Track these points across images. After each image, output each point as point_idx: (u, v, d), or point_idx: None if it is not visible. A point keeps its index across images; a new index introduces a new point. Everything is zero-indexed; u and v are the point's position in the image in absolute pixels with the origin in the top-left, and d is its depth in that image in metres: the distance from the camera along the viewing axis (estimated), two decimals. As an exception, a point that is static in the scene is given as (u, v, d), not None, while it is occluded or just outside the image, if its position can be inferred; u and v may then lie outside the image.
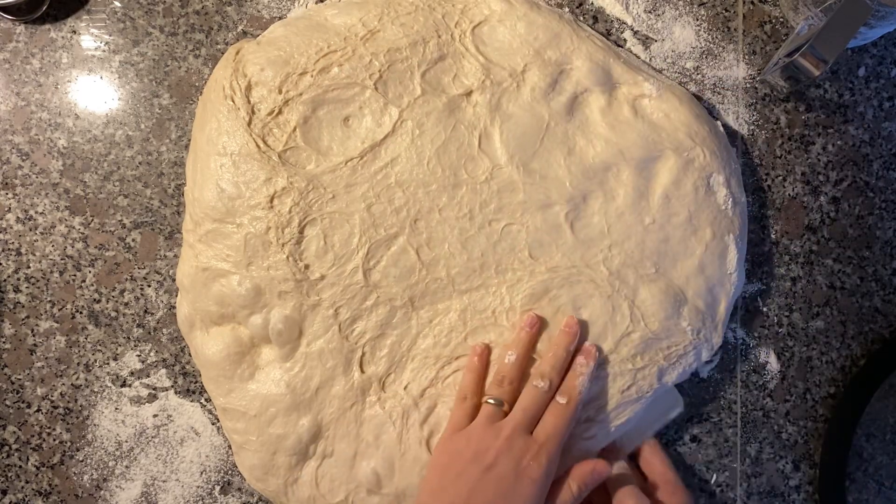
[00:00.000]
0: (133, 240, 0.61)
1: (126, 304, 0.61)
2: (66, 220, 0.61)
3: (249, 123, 0.55)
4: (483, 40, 0.57)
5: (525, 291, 0.56)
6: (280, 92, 0.55)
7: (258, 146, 0.55)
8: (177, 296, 0.61)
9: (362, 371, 0.56)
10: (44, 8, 0.60)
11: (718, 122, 0.61)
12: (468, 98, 0.57)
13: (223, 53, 0.61)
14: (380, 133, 0.56)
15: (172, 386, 0.62)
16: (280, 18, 0.62)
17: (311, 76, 0.55)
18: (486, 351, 0.56)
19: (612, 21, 0.63)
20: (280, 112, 0.55)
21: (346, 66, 0.56)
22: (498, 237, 0.56)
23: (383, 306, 0.56)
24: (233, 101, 0.55)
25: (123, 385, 0.61)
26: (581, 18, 0.63)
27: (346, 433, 0.56)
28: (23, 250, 0.61)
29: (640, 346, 0.57)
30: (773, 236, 0.64)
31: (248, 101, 0.55)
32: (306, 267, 0.55)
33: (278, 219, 0.55)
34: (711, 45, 0.63)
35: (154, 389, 0.62)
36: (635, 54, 0.63)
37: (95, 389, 0.61)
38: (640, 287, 0.57)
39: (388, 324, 0.56)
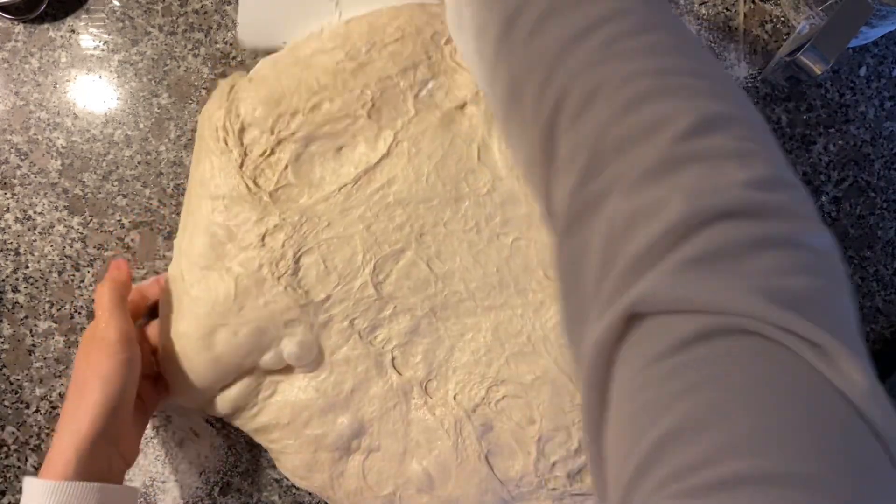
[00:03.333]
0: (132, 240, 0.61)
1: (125, 304, 0.61)
2: (64, 219, 0.61)
3: (241, 165, 0.54)
4: None
5: (553, 318, 0.56)
6: (273, 132, 0.54)
7: (248, 188, 0.54)
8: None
9: (399, 373, 0.56)
10: (42, 7, 0.60)
11: None
12: (463, 110, 0.56)
13: (222, 53, 0.61)
14: (374, 157, 0.55)
15: (171, 386, 0.61)
16: (279, 18, 0.61)
17: (303, 115, 0.54)
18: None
19: (612, 20, 0.63)
20: (272, 152, 0.55)
21: (337, 101, 0.55)
22: (509, 252, 0.56)
23: (403, 315, 0.55)
24: (226, 143, 0.54)
25: (122, 385, 0.61)
26: (581, 18, 0.63)
27: (392, 430, 0.56)
28: (21, 250, 0.61)
29: None
30: (774, 236, 0.64)
31: (241, 143, 0.54)
32: (306, 293, 0.54)
33: (271, 255, 0.54)
34: (712, 45, 0.63)
35: (153, 390, 0.61)
36: (636, 54, 0.63)
37: (94, 390, 0.61)
38: None
39: (415, 332, 0.56)
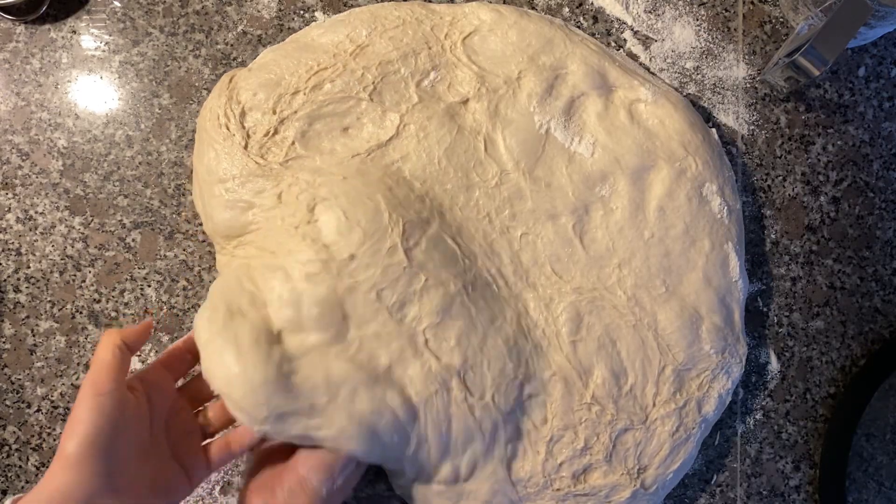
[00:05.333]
0: (133, 240, 0.61)
1: (126, 304, 0.61)
2: (66, 220, 0.61)
3: (246, 147, 0.54)
4: (475, 50, 0.57)
5: (563, 315, 0.56)
6: (274, 112, 0.55)
7: (258, 164, 0.54)
8: (176, 295, 0.61)
9: (437, 358, 0.51)
10: (44, 8, 0.60)
11: (714, 130, 0.61)
12: (466, 106, 0.56)
13: (223, 54, 0.61)
14: (384, 135, 0.55)
15: (172, 386, 0.62)
16: (279, 19, 0.62)
17: (304, 94, 0.55)
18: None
19: (612, 21, 0.63)
20: (276, 132, 0.55)
21: (338, 82, 0.55)
22: (519, 246, 0.56)
23: (436, 290, 0.51)
24: (227, 129, 0.54)
25: (123, 385, 0.61)
26: (581, 18, 0.63)
27: (436, 423, 0.52)
28: (23, 250, 0.61)
29: (676, 381, 0.57)
30: (773, 236, 0.64)
31: (243, 127, 0.55)
32: (326, 247, 0.50)
33: (286, 208, 0.52)
34: (711, 45, 0.63)
35: (154, 389, 0.62)
36: (634, 55, 0.63)
37: (95, 389, 0.61)
38: (658, 312, 0.57)
39: (448, 312, 0.52)
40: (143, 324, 0.50)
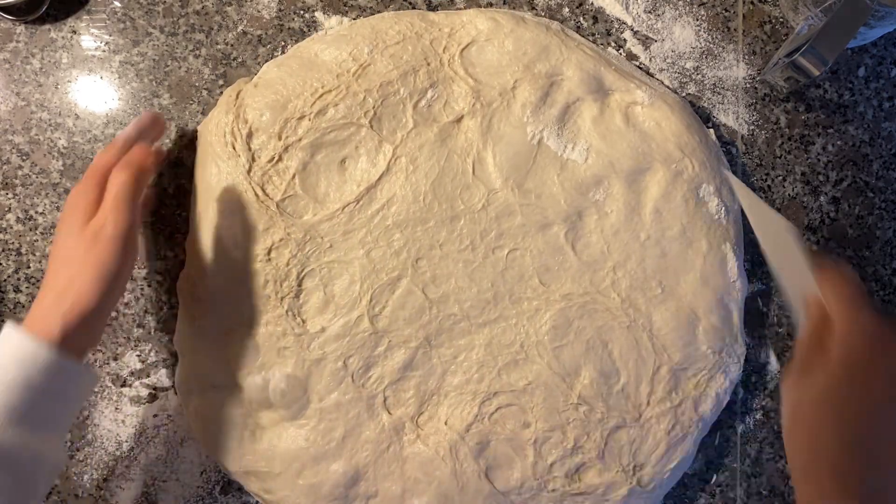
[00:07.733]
0: (133, 240, 0.61)
1: (126, 303, 0.61)
2: (66, 220, 0.61)
3: (249, 171, 0.55)
4: (472, 62, 0.57)
5: (547, 323, 0.56)
6: (280, 138, 0.55)
7: (257, 195, 0.55)
8: (176, 295, 0.61)
9: (390, 413, 0.56)
10: (44, 8, 0.60)
11: (712, 130, 0.61)
12: (459, 125, 0.56)
13: (223, 54, 0.61)
14: (374, 173, 0.55)
15: (173, 386, 0.62)
16: (279, 19, 0.62)
17: (309, 119, 0.55)
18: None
19: (612, 21, 0.63)
20: (280, 159, 0.55)
21: (341, 106, 0.55)
22: (504, 265, 0.56)
23: (398, 350, 0.56)
24: (234, 148, 0.55)
25: (124, 385, 0.61)
26: (581, 19, 0.63)
27: (388, 473, 0.56)
28: (23, 250, 0.61)
29: (672, 381, 0.57)
30: (772, 236, 0.64)
31: (249, 149, 0.55)
32: (303, 322, 0.56)
33: (276, 272, 0.55)
34: (711, 45, 0.63)
35: (154, 389, 0.62)
36: (634, 55, 0.63)
37: (95, 389, 0.61)
38: (653, 313, 0.57)
39: (409, 366, 0.56)
40: (143, 150, 0.52)
